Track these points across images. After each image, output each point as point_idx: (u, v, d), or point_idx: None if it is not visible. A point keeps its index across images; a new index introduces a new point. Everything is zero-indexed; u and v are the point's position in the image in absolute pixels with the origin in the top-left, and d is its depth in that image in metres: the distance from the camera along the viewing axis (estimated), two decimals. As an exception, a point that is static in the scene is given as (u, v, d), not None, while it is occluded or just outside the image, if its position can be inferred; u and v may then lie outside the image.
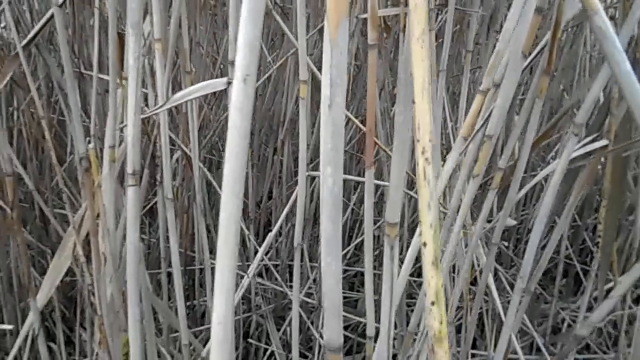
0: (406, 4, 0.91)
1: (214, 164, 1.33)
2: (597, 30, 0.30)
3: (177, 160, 1.08)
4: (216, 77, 1.36)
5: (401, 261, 0.49)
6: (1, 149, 0.72)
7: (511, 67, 0.50)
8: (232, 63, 0.52)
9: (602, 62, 0.55)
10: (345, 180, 1.25)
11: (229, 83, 0.51)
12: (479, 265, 0.74)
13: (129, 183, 0.49)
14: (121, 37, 0.73)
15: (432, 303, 0.25)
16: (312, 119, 1.14)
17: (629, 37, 0.48)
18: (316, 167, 1.20)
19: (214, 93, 1.36)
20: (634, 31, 0.60)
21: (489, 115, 0.49)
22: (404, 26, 0.94)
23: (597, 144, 0.61)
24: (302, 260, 0.90)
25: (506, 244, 1.13)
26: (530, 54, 0.51)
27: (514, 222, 0.87)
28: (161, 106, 0.54)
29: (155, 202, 1.10)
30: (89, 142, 0.61)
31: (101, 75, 0.84)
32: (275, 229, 0.69)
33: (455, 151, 0.48)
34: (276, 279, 1.01)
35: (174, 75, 1.05)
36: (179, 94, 0.53)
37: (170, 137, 0.85)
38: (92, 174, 0.63)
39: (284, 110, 1.11)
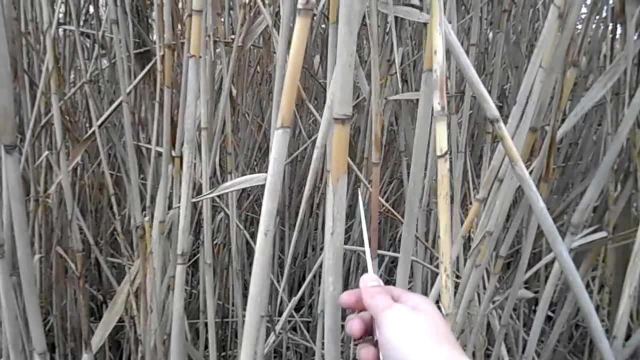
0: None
1: (255, 221, 1.43)
2: (518, 177, 0.38)
3: (220, 219, 1.18)
4: (259, 142, 1.47)
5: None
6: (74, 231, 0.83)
7: (508, 176, 0.57)
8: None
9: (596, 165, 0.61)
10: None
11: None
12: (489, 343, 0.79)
13: (178, 262, 0.58)
14: (174, 123, 0.85)
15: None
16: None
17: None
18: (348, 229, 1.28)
19: (259, 150, 1.48)
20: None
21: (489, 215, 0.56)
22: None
23: (597, 235, 0.67)
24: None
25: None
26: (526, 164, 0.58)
27: (531, 294, 0.91)
28: (209, 193, 0.64)
29: (198, 257, 1.20)
30: (144, 215, 0.71)
31: (157, 148, 0.95)
32: (299, 293, 0.77)
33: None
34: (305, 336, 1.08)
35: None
36: (226, 184, 0.63)
37: (213, 199, 0.95)
38: (145, 241, 0.73)
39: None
